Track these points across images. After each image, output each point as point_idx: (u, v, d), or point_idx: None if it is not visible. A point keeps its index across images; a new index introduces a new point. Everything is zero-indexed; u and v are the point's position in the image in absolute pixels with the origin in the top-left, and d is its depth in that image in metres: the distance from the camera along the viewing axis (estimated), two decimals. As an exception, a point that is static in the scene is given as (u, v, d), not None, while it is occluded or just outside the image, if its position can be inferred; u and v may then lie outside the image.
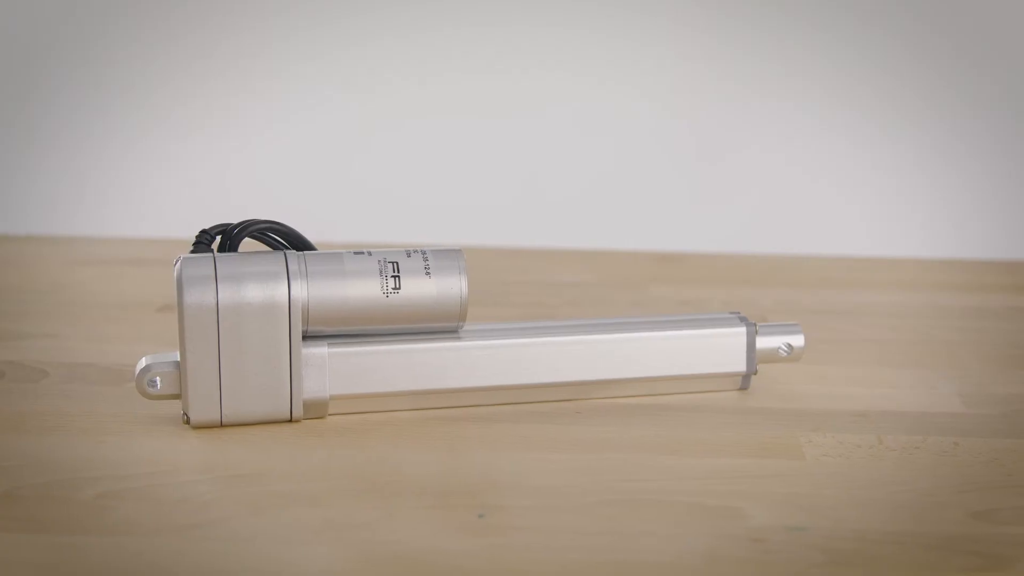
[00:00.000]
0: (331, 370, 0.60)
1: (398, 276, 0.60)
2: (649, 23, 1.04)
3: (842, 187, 1.07)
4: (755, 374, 0.66)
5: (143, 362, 0.59)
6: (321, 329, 0.59)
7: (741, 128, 1.07)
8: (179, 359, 0.58)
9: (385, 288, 0.59)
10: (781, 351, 0.67)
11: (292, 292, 0.58)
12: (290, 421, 0.60)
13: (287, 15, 1.03)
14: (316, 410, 0.60)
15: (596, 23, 1.04)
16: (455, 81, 1.06)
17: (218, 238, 0.61)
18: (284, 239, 0.61)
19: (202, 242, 0.60)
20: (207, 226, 0.60)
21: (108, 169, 1.07)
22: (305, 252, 0.60)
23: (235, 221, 0.60)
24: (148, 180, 1.07)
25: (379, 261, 0.60)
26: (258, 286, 0.58)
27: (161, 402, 0.60)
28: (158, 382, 0.58)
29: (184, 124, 1.06)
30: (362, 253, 0.60)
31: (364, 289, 0.59)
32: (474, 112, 1.06)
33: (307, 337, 0.59)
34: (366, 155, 1.08)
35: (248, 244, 0.60)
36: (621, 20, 1.04)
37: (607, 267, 1.01)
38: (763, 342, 0.66)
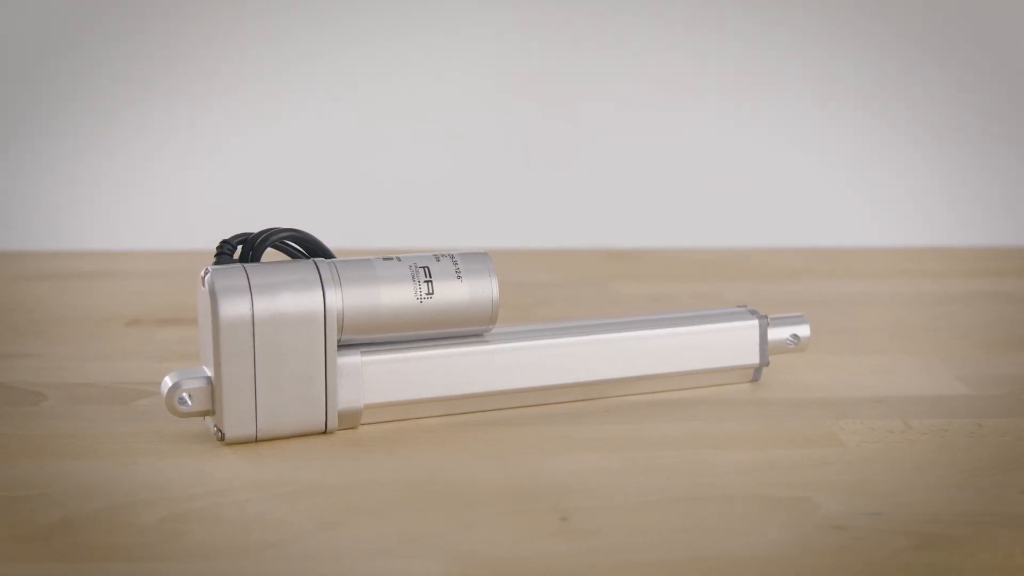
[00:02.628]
0: (365, 379, 0.59)
1: (431, 281, 0.59)
2: (637, 21, 1.05)
3: (792, 179, 1.09)
4: (767, 366, 0.67)
5: (169, 379, 0.57)
6: (353, 338, 0.58)
7: (692, 123, 1.08)
8: (210, 374, 0.56)
9: (419, 293, 0.59)
10: (788, 343, 0.68)
11: (327, 300, 0.57)
12: (324, 433, 0.58)
13: (268, 18, 1.00)
14: (350, 420, 0.59)
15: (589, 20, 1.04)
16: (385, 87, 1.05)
17: (239, 248, 0.59)
18: (304, 247, 0.60)
19: (224, 252, 0.59)
20: (227, 236, 0.59)
21: (44, 180, 1.02)
22: (334, 259, 0.59)
23: (256, 230, 0.59)
24: (86, 191, 1.03)
25: (410, 266, 0.59)
26: (293, 295, 0.56)
27: (183, 419, 0.58)
28: (189, 399, 0.56)
29: (126, 135, 1.02)
30: (391, 259, 0.59)
31: (398, 295, 0.58)
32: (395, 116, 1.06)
33: (339, 346, 0.58)
34: (330, 162, 1.05)
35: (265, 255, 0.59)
36: (621, 20, 1.05)
37: (564, 266, 1.01)
38: (772, 334, 0.67)
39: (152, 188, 1.03)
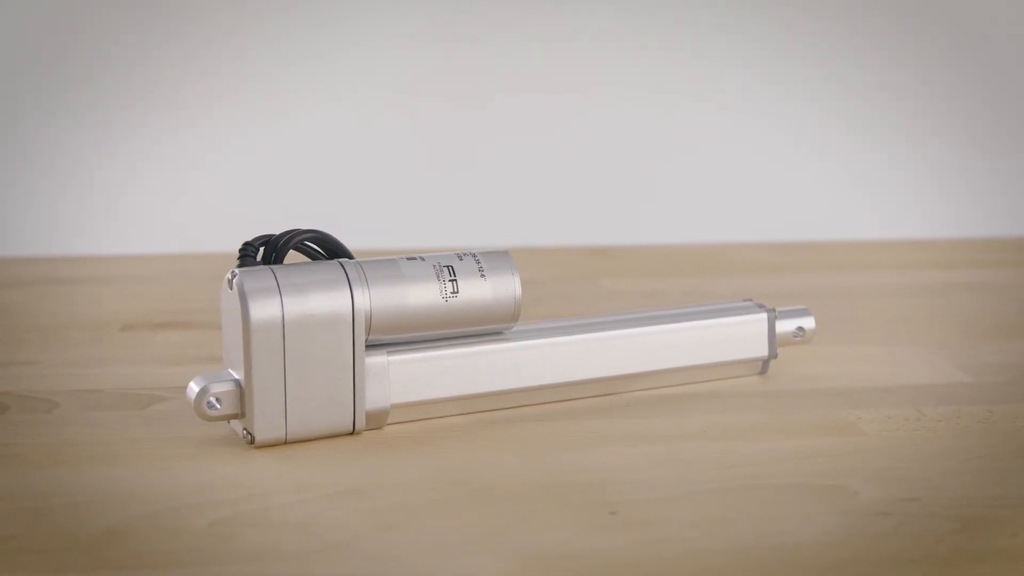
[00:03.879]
0: (391, 378, 0.59)
1: (455, 280, 0.59)
2: (631, 19, 1.05)
3: (778, 173, 1.10)
4: (775, 358, 0.69)
5: (196, 383, 0.56)
6: (379, 338, 0.58)
7: (682, 120, 1.09)
8: (239, 376, 0.56)
9: (444, 292, 0.59)
10: (794, 335, 0.69)
11: (355, 301, 0.57)
12: (352, 433, 0.58)
13: (268, 18, 0.98)
14: (377, 420, 0.59)
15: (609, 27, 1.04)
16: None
17: (261, 249, 0.59)
18: (325, 248, 0.59)
19: (247, 255, 0.58)
20: (249, 238, 0.58)
21: (43, 184, 1.00)
22: (359, 260, 0.58)
23: (277, 232, 0.58)
24: (84, 193, 1.01)
25: (434, 266, 0.59)
26: (321, 296, 0.56)
27: (207, 423, 0.58)
28: (217, 402, 0.56)
29: (124, 135, 1.00)
30: (415, 258, 0.59)
31: (424, 295, 0.58)
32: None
33: (366, 346, 0.58)
34: (329, 162, 1.05)
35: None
36: (616, 18, 1.05)
37: (549, 264, 1.01)
38: (780, 326, 0.68)
39: (148, 190, 1.01)
